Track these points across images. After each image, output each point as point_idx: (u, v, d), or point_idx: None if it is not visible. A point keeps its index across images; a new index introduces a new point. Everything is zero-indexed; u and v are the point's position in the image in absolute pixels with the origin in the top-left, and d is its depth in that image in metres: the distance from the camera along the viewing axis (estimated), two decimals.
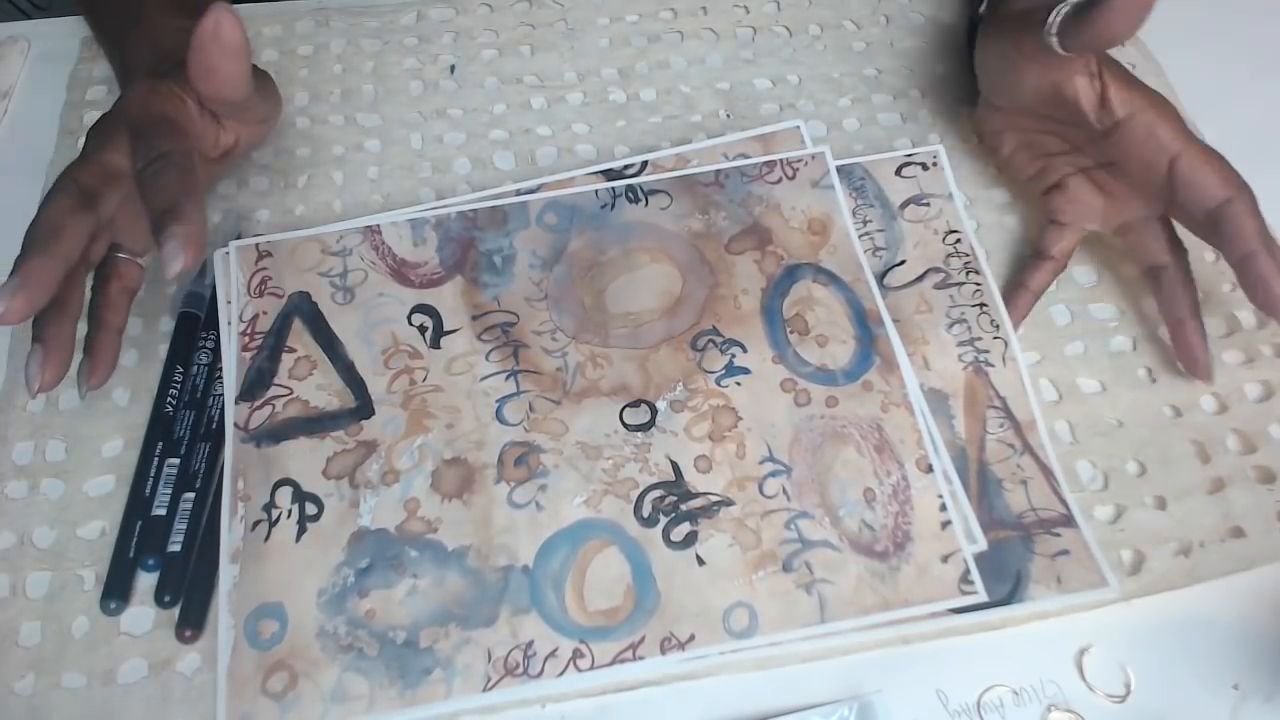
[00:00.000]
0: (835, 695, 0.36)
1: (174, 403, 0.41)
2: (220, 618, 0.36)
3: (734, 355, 0.42)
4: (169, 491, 0.39)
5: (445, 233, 0.46)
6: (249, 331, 0.42)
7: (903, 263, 0.46)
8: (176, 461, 0.40)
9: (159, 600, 0.37)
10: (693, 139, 0.51)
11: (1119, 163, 0.43)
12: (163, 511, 0.39)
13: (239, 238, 0.46)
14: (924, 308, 0.44)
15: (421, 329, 0.43)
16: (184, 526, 0.38)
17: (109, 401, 0.42)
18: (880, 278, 0.45)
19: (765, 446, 0.40)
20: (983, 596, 0.37)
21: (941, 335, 0.43)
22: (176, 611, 0.37)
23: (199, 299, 0.44)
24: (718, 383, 0.42)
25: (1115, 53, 0.55)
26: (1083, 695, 0.36)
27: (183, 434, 0.41)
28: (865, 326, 0.43)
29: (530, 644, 0.36)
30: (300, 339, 0.43)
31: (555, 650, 0.36)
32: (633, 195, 0.47)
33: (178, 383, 0.42)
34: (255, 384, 0.41)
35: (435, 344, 0.43)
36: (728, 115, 0.52)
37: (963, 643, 0.37)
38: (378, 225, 0.46)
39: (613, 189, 0.47)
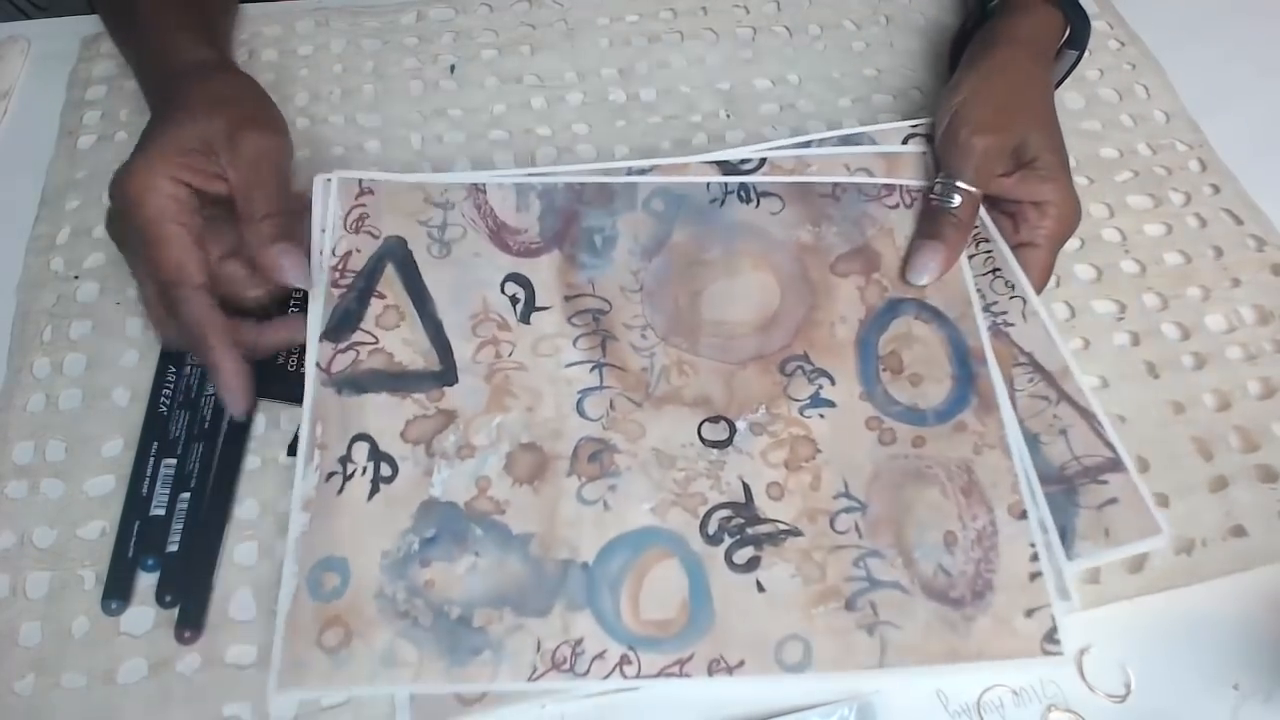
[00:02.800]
0: (835, 695, 0.36)
1: (168, 403, 0.41)
2: (285, 564, 0.36)
3: (821, 386, 0.41)
4: (166, 492, 0.39)
5: (549, 202, 0.45)
6: (340, 268, 0.41)
7: None
8: (173, 462, 0.40)
9: (159, 600, 0.37)
10: (693, 139, 0.51)
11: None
12: (161, 512, 0.39)
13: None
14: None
15: (513, 299, 0.42)
16: (181, 526, 0.38)
17: (109, 401, 0.42)
18: None
19: (842, 481, 0.39)
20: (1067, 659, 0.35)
21: None
22: (176, 612, 0.37)
23: None
24: (801, 412, 0.40)
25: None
26: (1083, 695, 0.36)
27: (178, 434, 0.40)
28: (966, 365, 0.41)
29: (580, 641, 0.35)
30: (391, 286, 0.41)
31: (604, 652, 0.35)
32: (745, 194, 0.45)
33: (170, 383, 0.42)
34: (341, 324, 0.40)
35: (525, 319, 0.42)
36: (728, 115, 0.52)
37: None
38: (483, 184, 0.45)
39: (725, 184, 0.45)
